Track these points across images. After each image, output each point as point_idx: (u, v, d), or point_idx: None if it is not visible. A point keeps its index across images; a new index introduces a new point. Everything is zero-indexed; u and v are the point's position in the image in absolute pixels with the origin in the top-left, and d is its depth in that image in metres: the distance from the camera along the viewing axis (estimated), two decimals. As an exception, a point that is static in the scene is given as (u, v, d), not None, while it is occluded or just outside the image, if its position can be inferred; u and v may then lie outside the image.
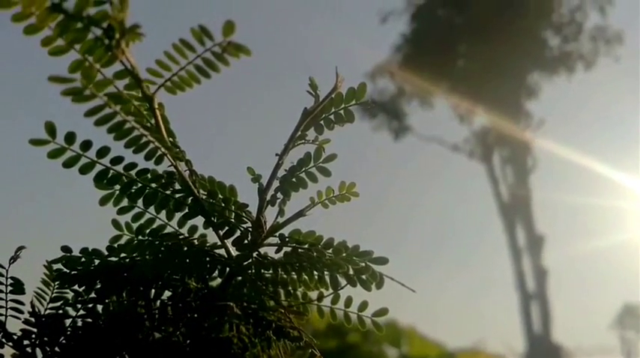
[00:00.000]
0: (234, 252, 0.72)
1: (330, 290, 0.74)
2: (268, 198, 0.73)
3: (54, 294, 0.80)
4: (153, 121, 0.62)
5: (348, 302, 0.75)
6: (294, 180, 0.75)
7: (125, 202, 0.70)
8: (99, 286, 0.74)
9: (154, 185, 0.67)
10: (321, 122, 0.73)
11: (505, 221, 13.43)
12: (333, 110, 0.73)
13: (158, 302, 0.76)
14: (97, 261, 0.73)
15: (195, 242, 0.72)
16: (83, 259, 0.70)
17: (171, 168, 0.67)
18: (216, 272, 0.72)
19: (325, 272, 0.72)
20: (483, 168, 14.12)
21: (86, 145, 0.61)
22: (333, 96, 0.72)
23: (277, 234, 0.73)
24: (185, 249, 0.69)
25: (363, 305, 0.74)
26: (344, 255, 0.72)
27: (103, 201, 0.70)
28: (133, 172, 0.66)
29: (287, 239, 0.73)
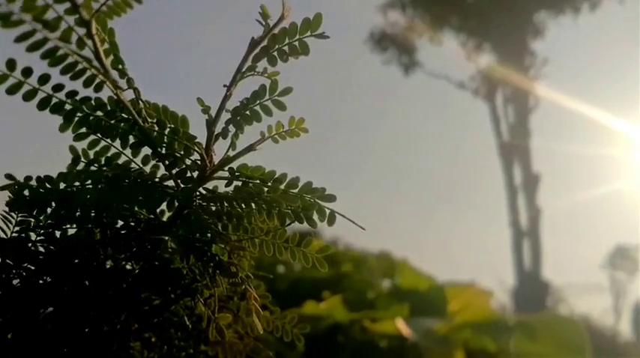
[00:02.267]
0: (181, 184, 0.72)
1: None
2: (219, 130, 0.72)
3: (19, 218, 0.81)
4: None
5: (293, 238, 0.75)
6: (247, 113, 0.74)
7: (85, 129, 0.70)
8: (50, 212, 0.74)
9: (99, 113, 0.66)
10: (274, 53, 0.71)
11: (503, 159, 13.47)
12: (287, 41, 0.71)
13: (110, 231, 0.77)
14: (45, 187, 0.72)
15: (145, 173, 0.72)
16: (32, 186, 0.70)
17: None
18: (165, 204, 0.72)
19: (274, 207, 0.71)
20: (486, 106, 14.07)
21: (27, 72, 0.60)
22: (287, 26, 0.70)
23: (227, 168, 0.73)
24: (131, 179, 0.69)
25: (308, 242, 0.74)
26: (295, 191, 0.72)
27: (62, 129, 0.69)
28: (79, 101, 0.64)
29: (237, 173, 0.73)
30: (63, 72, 0.59)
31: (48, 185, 0.72)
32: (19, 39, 0.54)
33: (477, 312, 3.51)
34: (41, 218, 0.76)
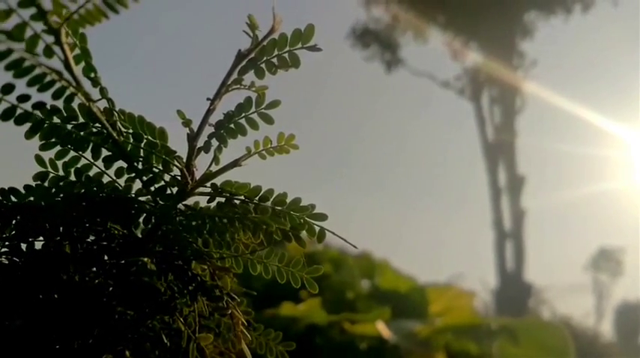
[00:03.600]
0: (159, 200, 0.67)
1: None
2: (200, 144, 0.68)
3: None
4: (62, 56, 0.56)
5: (282, 257, 0.71)
6: (231, 126, 0.69)
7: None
8: (15, 224, 0.69)
9: (69, 125, 0.61)
10: (262, 65, 0.67)
11: (488, 160, 13.49)
12: (276, 53, 0.67)
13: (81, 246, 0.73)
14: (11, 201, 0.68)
15: (120, 187, 0.67)
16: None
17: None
18: (142, 220, 0.68)
19: (261, 228, 0.67)
20: (471, 106, 14.07)
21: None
22: (275, 37, 0.66)
23: (209, 183, 0.68)
24: (106, 195, 0.64)
25: (296, 262, 0.70)
26: (281, 209, 0.68)
27: (28, 136, 0.64)
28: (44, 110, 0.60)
29: (219, 189, 0.68)
30: (30, 83, 0.54)
31: (13, 198, 0.68)
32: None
33: (459, 315, 3.50)
34: (5, 230, 0.73)
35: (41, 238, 0.72)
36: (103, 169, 0.69)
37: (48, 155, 0.69)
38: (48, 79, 0.54)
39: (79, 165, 0.68)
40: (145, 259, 0.68)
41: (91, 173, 0.69)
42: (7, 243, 0.74)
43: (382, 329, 2.94)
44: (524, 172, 13.22)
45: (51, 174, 0.70)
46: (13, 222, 0.67)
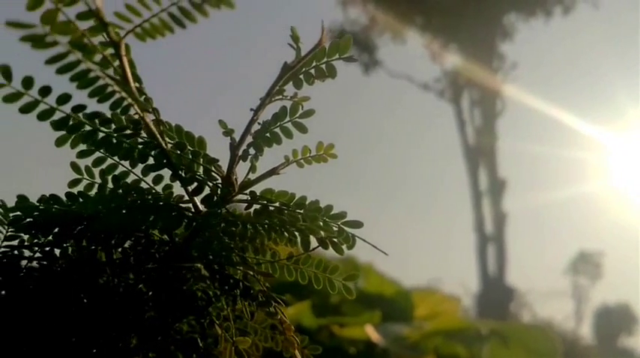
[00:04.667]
0: (201, 207, 0.69)
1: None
2: (240, 153, 0.69)
3: (8, 233, 0.77)
4: (119, 68, 0.57)
5: (319, 263, 0.73)
6: (267, 134, 0.71)
7: (85, 146, 0.66)
8: (56, 232, 0.70)
9: (117, 134, 0.63)
10: (301, 76, 0.68)
11: (469, 163, 13.55)
12: (314, 64, 0.68)
13: (119, 250, 0.74)
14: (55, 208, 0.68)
15: (161, 195, 0.69)
16: (42, 208, 0.66)
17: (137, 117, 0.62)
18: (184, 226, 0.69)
19: (296, 234, 0.69)
20: (451, 109, 14.13)
21: (45, 91, 0.56)
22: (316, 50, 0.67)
23: (248, 191, 0.70)
24: (152, 203, 0.65)
25: (334, 269, 0.72)
26: (316, 216, 0.69)
27: (60, 143, 0.65)
28: (96, 120, 0.61)
29: (258, 197, 0.70)
30: (91, 95, 0.55)
31: (55, 205, 0.69)
32: (51, 61, 0.50)
33: (446, 319, 3.52)
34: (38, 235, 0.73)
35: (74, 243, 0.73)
36: (141, 176, 0.70)
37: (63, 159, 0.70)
38: (109, 89, 0.55)
39: (116, 172, 0.70)
40: (187, 265, 0.69)
41: (128, 180, 0.71)
42: (40, 249, 0.75)
43: (371, 333, 2.95)
44: (504, 175, 13.32)
45: (85, 181, 0.71)
46: (56, 229, 0.68)
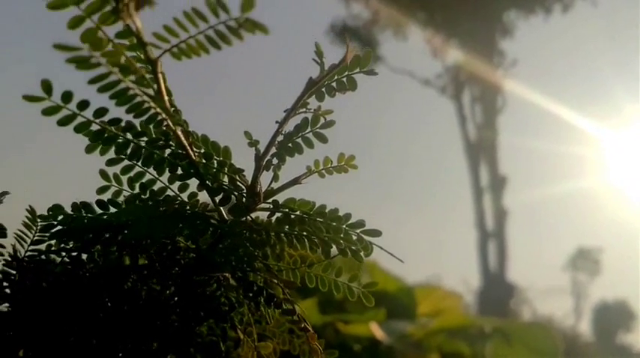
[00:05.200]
0: (226, 215, 0.71)
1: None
2: (264, 163, 0.72)
3: (35, 238, 0.79)
4: (154, 85, 0.59)
5: (339, 271, 0.75)
6: (289, 145, 0.73)
7: (113, 153, 0.69)
8: (87, 239, 0.73)
9: (146, 144, 0.65)
10: (323, 89, 0.71)
11: (470, 160, 13.57)
12: (335, 77, 0.71)
13: (145, 256, 0.76)
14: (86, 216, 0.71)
15: (188, 203, 0.71)
16: (74, 216, 0.68)
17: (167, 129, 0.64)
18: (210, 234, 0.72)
19: (328, 245, 0.72)
20: (452, 105, 14.14)
21: (83, 105, 0.59)
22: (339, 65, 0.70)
23: (271, 200, 0.72)
24: (180, 212, 0.68)
25: (354, 276, 0.74)
26: (340, 228, 0.72)
27: (89, 150, 0.67)
28: (129, 133, 0.64)
29: (280, 205, 0.72)
30: (129, 111, 0.57)
31: (86, 213, 0.71)
32: (94, 81, 0.52)
33: (449, 316, 3.54)
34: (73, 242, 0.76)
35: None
36: (167, 184, 0.72)
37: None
38: (145, 106, 0.58)
39: (143, 180, 0.72)
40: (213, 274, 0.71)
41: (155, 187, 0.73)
42: (67, 254, 0.78)
43: (376, 330, 2.97)
44: (505, 171, 13.35)
45: (113, 188, 0.74)
46: (90, 236, 0.70)
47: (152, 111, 0.59)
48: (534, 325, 4.02)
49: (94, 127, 0.61)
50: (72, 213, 0.70)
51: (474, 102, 14.04)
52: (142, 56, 0.57)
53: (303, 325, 0.72)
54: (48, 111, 0.58)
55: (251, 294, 0.71)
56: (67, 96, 0.58)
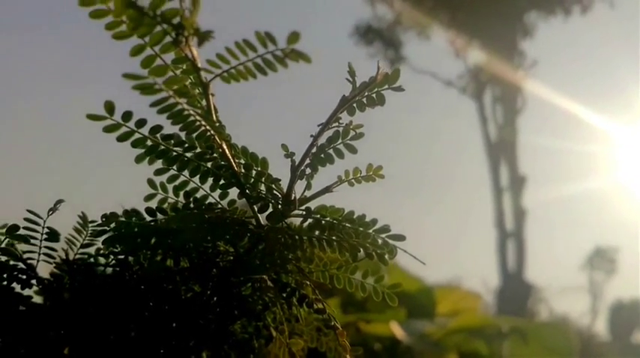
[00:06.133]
0: (263, 221, 0.77)
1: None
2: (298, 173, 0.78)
3: (85, 241, 0.85)
4: (204, 103, 0.66)
5: (365, 273, 0.81)
6: (322, 155, 0.79)
7: (160, 164, 0.75)
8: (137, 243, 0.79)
9: (194, 157, 0.72)
10: (354, 105, 0.77)
11: (490, 160, 13.56)
12: (366, 93, 0.77)
13: (186, 259, 0.82)
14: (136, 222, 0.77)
15: (229, 210, 0.77)
16: (126, 221, 0.75)
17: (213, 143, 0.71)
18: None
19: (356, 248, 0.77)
20: (474, 105, 14.12)
21: (140, 123, 0.65)
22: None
23: (304, 206, 0.78)
24: (223, 219, 0.74)
25: (380, 278, 0.80)
26: (369, 234, 0.77)
27: (139, 159, 0.74)
28: (179, 148, 0.70)
29: (312, 212, 0.78)
30: (182, 129, 0.64)
31: (135, 219, 0.77)
32: (155, 104, 0.59)
33: (468, 316, 3.58)
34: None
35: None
36: (209, 192, 0.79)
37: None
38: (197, 124, 0.64)
39: (187, 188, 0.79)
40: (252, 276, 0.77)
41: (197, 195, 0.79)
42: (114, 258, 0.84)
43: (396, 330, 3.02)
44: (524, 171, 13.32)
45: (159, 196, 0.80)
46: (139, 241, 0.77)
47: (202, 128, 0.65)
48: (550, 324, 4.05)
49: (149, 142, 0.68)
50: (124, 219, 0.76)
51: (495, 103, 14.02)
52: (193, 80, 0.64)
53: (332, 323, 0.77)
54: (109, 129, 0.64)
55: (284, 295, 0.77)
56: (127, 116, 0.64)
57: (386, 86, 0.77)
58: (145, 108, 0.65)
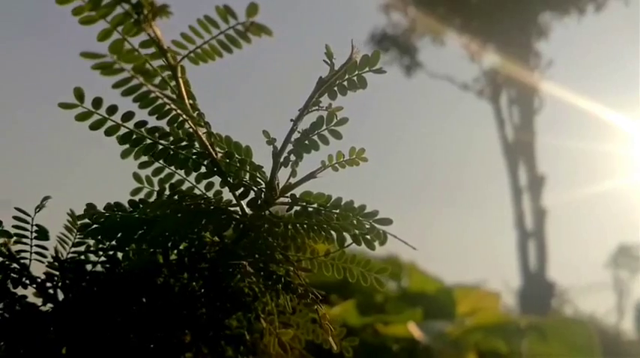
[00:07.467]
0: (247, 210, 0.76)
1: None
2: (281, 160, 0.76)
3: (76, 240, 0.85)
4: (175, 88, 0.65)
5: (353, 258, 0.79)
6: (306, 142, 0.78)
7: (146, 157, 0.74)
8: (120, 236, 0.78)
9: (174, 146, 0.71)
10: (335, 88, 0.76)
11: (508, 161, 13.49)
12: (346, 77, 0.76)
13: (175, 252, 0.81)
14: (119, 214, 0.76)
15: (212, 200, 0.76)
16: (107, 214, 0.74)
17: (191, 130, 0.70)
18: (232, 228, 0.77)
19: (333, 233, 0.76)
20: (491, 107, 14.07)
21: (112, 110, 0.65)
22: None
23: (289, 194, 0.77)
24: (205, 208, 0.73)
25: (366, 263, 0.79)
26: (348, 215, 0.76)
27: (125, 155, 0.73)
28: (155, 134, 0.69)
29: (298, 199, 0.77)
30: (151, 112, 0.63)
31: (118, 211, 0.77)
32: (118, 85, 0.58)
33: (488, 315, 3.54)
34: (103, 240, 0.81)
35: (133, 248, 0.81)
36: (194, 184, 0.78)
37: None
38: (166, 108, 0.63)
39: (172, 180, 0.78)
40: (236, 262, 0.76)
41: (183, 187, 0.79)
42: (103, 254, 0.83)
43: (414, 330, 3.00)
44: (543, 171, 13.23)
45: (146, 189, 0.80)
46: (119, 234, 0.76)
47: (173, 112, 0.64)
48: (570, 321, 3.99)
49: (123, 130, 0.67)
50: (105, 211, 0.75)
51: (512, 104, 13.96)
52: (164, 62, 0.63)
53: (316, 307, 0.76)
54: (81, 117, 0.64)
55: (270, 282, 0.76)
56: (97, 102, 0.64)
57: (367, 69, 0.76)
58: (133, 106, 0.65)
